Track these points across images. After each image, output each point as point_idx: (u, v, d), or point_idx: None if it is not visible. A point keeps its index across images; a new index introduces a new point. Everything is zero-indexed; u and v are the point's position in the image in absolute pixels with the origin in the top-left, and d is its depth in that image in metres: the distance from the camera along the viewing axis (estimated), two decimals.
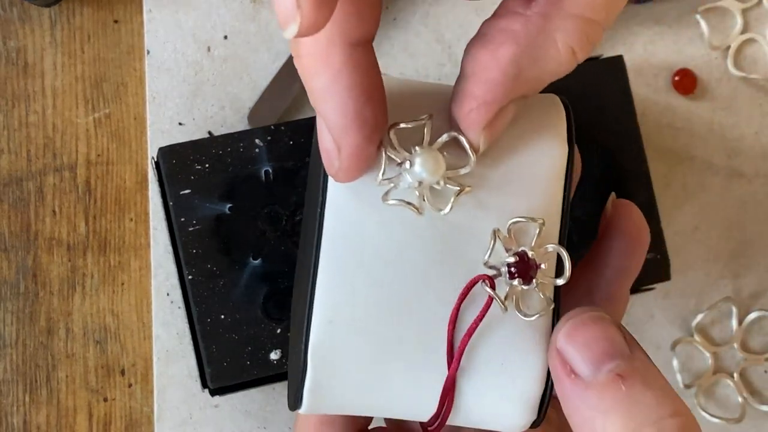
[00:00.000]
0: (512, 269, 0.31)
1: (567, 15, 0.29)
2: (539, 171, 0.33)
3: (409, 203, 0.31)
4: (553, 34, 0.29)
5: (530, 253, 0.31)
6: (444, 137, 0.31)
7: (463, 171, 0.31)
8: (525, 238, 0.32)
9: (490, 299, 0.31)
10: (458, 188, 0.31)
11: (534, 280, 0.32)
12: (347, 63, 0.29)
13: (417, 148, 0.31)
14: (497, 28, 0.30)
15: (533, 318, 0.32)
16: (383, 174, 0.31)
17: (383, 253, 0.32)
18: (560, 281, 0.32)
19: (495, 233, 0.32)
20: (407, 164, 0.31)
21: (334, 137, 0.30)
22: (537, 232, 0.32)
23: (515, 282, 0.31)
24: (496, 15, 0.30)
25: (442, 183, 0.31)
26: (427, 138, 0.31)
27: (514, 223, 0.32)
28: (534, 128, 0.33)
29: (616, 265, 0.38)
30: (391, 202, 0.31)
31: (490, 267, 0.32)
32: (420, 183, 0.31)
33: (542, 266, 0.32)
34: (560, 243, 0.33)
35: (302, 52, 0.29)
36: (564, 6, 0.29)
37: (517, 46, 0.29)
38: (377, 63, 0.30)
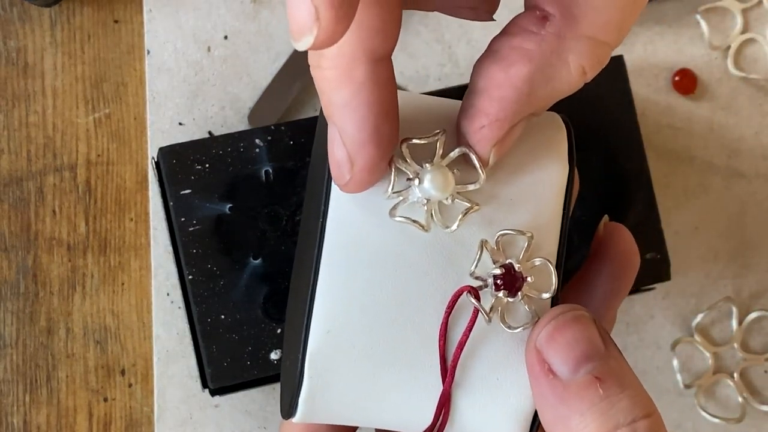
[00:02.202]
0: (498, 281, 0.32)
1: (580, 36, 0.29)
2: (540, 188, 0.33)
3: (415, 221, 0.31)
4: (566, 55, 0.29)
5: (517, 266, 0.32)
6: (455, 152, 0.31)
7: (472, 187, 0.31)
8: (514, 250, 0.32)
9: (476, 311, 0.32)
10: (467, 205, 0.31)
11: (520, 293, 0.32)
12: (370, 78, 0.29)
13: (427, 164, 0.31)
14: (510, 46, 0.30)
15: (517, 331, 0.32)
16: (392, 188, 0.31)
17: (383, 265, 0.32)
18: (546, 295, 0.32)
19: (482, 244, 0.32)
20: (416, 180, 0.31)
21: (349, 150, 0.30)
22: (525, 245, 0.32)
23: (500, 294, 0.32)
24: (507, 32, 0.30)
25: (450, 199, 0.31)
26: (439, 153, 0.31)
27: (503, 235, 0.32)
28: (536, 146, 0.34)
29: (605, 288, 0.38)
30: (398, 219, 0.31)
31: (477, 278, 0.32)
32: (428, 199, 0.31)
33: (529, 279, 0.32)
34: (558, 259, 0.33)
35: (324, 65, 0.29)
36: (578, 27, 0.29)
37: (531, 65, 0.29)
38: (395, 78, 0.30)
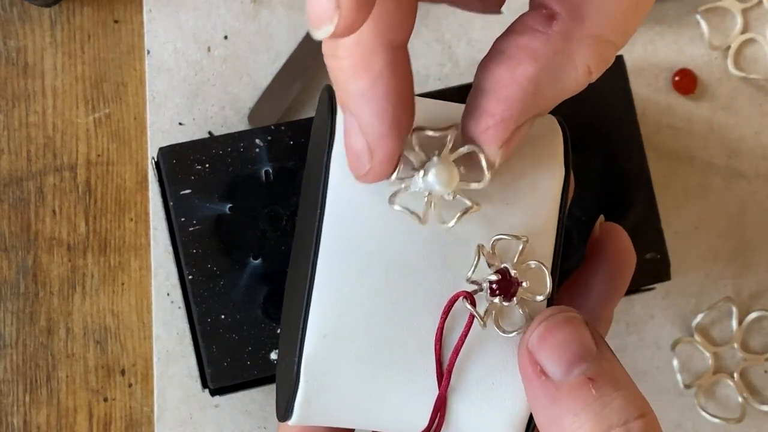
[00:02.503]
0: (493, 285, 0.32)
1: (587, 35, 0.29)
2: (536, 191, 0.33)
3: (413, 212, 0.31)
4: (572, 54, 0.29)
5: (512, 271, 0.32)
6: (464, 149, 0.31)
7: (475, 186, 0.31)
8: (509, 254, 0.32)
9: (472, 316, 0.32)
10: (468, 204, 0.31)
11: (515, 297, 0.32)
12: (388, 67, 0.29)
13: (435, 157, 0.31)
14: (517, 46, 0.30)
15: (512, 335, 0.32)
16: (397, 174, 0.31)
17: (380, 267, 0.32)
18: (540, 298, 0.32)
19: (479, 249, 0.32)
20: (422, 171, 0.31)
21: (369, 141, 0.30)
22: (520, 249, 0.32)
23: (496, 299, 0.32)
24: (513, 31, 0.30)
25: (452, 196, 0.31)
26: (448, 147, 0.31)
27: (498, 240, 0.32)
28: (531, 149, 0.34)
29: (601, 288, 0.38)
30: (396, 208, 0.31)
31: (473, 282, 0.32)
32: (430, 192, 0.31)
33: (524, 284, 0.32)
34: (554, 262, 0.33)
35: (341, 54, 0.29)
36: (585, 26, 0.29)
37: (538, 64, 0.29)
38: (411, 67, 0.30)
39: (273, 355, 0.43)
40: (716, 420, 0.52)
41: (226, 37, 0.50)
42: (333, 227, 0.32)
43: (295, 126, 0.43)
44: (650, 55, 0.53)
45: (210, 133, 0.49)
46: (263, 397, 0.48)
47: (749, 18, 0.54)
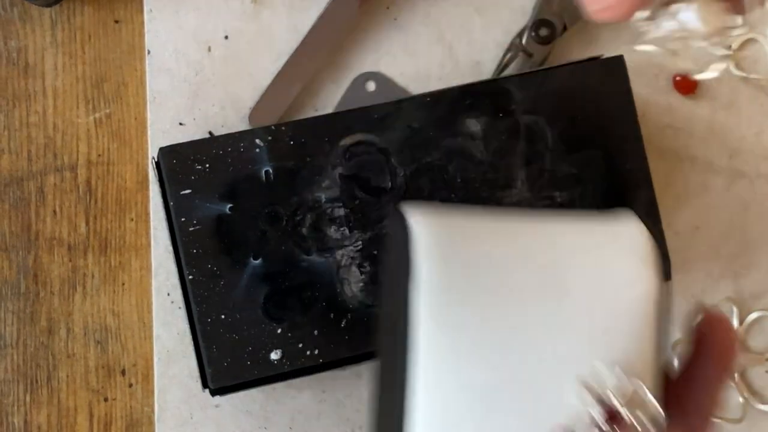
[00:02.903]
0: (597, 418, 0.30)
1: None
2: (630, 309, 0.32)
3: (669, 47, 0.27)
4: None
5: (620, 407, 0.30)
6: None
7: (738, 32, 0.28)
8: (609, 382, 0.31)
9: None
10: (726, 51, 0.28)
11: (619, 428, 0.30)
12: None
13: None
14: None
15: None
16: (650, 12, 0.27)
17: (479, 409, 0.30)
18: (648, 424, 0.30)
19: (581, 382, 0.30)
20: (677, 6, 0.27)
21: None
22: (624, 382, 0.30)
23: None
24: None
25: (708, 40, 0.27)
26: None
27: (597, 368, 0.31)
28: (619, 262, 0.32)
29: (709, 379, 0.37)
30: (646, 47, 0.28)
31: (574, 415, 0.30)
32: (683, 35, 0.27)
33: (627, 415, 0.30)
34: (657, 376, 0.31)
35: None
36: None
37: None
38: None
39: (273, 355, 0.43)
40: (717, 420, 0.52)
41: (226, 37, 0.50)
42: (427, 371, 0.30)
43: (296, 126, 0.43)
44: (651, 55, 0.53)
45: (210, 133, 0.49)
46: (264, 397, 0.48)
47: (750, 18, 0.54)
